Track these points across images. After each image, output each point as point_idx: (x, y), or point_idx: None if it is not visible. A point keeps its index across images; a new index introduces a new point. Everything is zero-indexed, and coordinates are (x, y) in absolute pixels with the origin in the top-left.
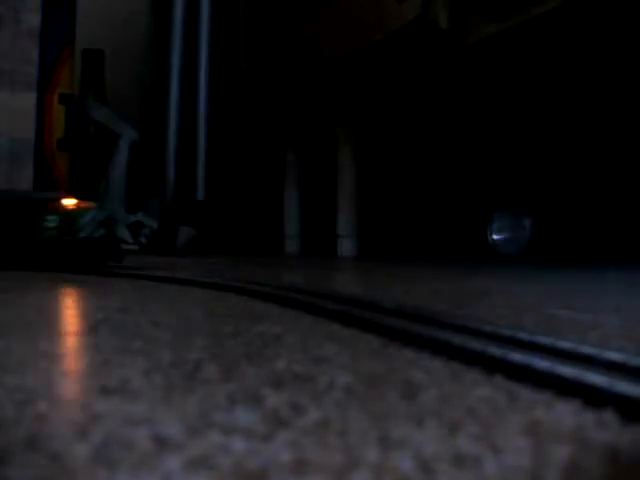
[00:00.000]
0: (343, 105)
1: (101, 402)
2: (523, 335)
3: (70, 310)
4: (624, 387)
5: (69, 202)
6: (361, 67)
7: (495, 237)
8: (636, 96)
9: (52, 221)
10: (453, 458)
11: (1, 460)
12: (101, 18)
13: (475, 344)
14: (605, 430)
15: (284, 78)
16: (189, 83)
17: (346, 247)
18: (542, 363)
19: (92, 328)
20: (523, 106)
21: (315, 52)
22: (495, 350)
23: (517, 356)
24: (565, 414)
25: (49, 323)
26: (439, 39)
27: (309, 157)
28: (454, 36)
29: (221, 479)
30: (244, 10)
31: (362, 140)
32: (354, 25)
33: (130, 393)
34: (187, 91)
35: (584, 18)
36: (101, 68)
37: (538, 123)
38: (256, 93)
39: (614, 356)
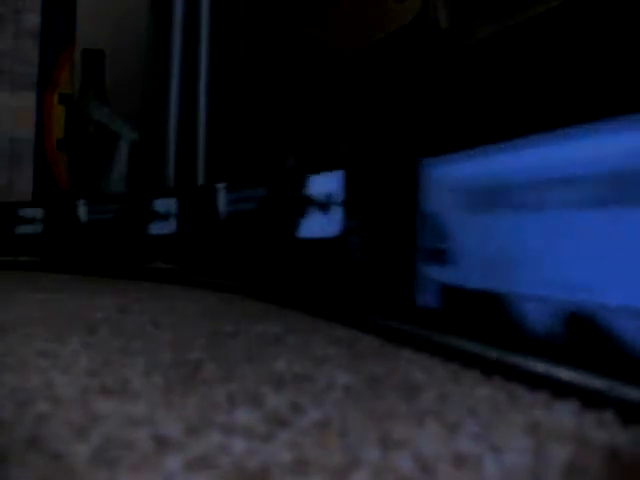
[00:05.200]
0: (343, 103)
1: (101, 402)
2: None
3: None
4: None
5: None
6: (362, 66)
7: None
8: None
9: None
10: (453, 458)
11: (2, 460)
12: (101, 18)
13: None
14: (605, 430)
15: (285, 79)
16: (189, 83)
17: None
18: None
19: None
20: None
21: (316, 53)
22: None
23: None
24: (564, 414)
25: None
26: (439, 38)
27: (309, 158)
28: (454, 36)
29: (221, 479)
30: (245, 10)
31: (360, 137)
32: (354, 25)
33: (130, 393)
34: (187, 91)
35: (585, 17)
36: (101, 68)
37: None
38: (256, 95)
39: None
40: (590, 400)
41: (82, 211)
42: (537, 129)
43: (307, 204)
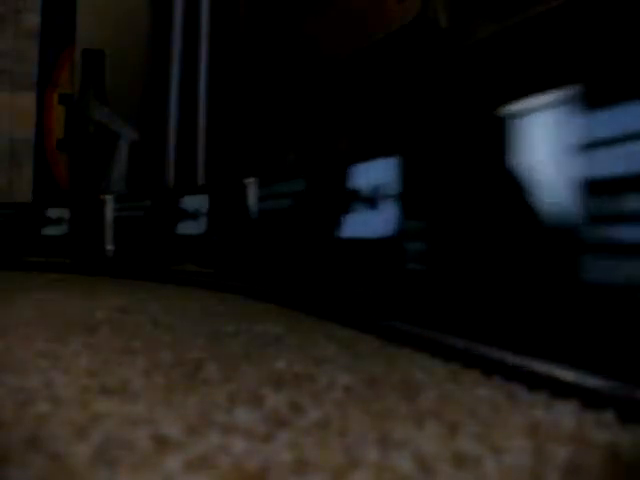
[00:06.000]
0: (343, 102)
1: (101, 402)
2: None
3: None
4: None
5: None
6: (361, 66)
7: None
8: None
9: None
10: (453, 458)
11: (2, 460)
12: (101, 18)
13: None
14: (605, 430)
15: (284, 79)
16: (189, 83)
17: None
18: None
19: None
20: None
21: (315, 52)
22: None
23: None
24: (564, 414)
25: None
26: (439, 38)
27: (310, 157)
28: (454, 35)
29: (221, 479)
30: (244, 10)
31: (359, 136)
32: (354, 25)
33: (130, 393)
34: (187, 91)
35: (586, 17)
36: (101, 68)
37: None
38: (256, 94)
39: None
40: (590, 400)
41: (252, 196)
42: None
43: None
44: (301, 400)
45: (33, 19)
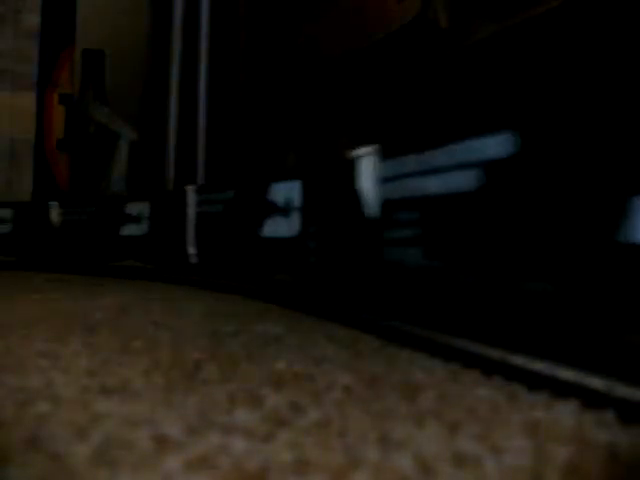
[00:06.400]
0: (343, 102)
1: (101, 402)
2: None
3: None
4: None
5: None
6: (361, 66)
7: None
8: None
9: None
10: (453, 458)
11: (2, 460)
12: (101, 18)
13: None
14: (605, 430)
15: (284, 78)
16: (189, 83)
17: None
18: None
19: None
20: None
21: (315, 52)
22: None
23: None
24: (564, 414)
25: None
26: (439, 38)
27: (310, 157)
28: (454, 35)
29: (221, 479)
30: (244, 10)
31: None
32: (354, 24)
33: (130, 393)
34: (187, 91)
35: (586, 17)
36: (101, 68)
37: None
38: (256, 94)
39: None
40: (590, 400)
41: (376, 178)
42: None
43: None
44: (301, 400)
45: (33, 19)
